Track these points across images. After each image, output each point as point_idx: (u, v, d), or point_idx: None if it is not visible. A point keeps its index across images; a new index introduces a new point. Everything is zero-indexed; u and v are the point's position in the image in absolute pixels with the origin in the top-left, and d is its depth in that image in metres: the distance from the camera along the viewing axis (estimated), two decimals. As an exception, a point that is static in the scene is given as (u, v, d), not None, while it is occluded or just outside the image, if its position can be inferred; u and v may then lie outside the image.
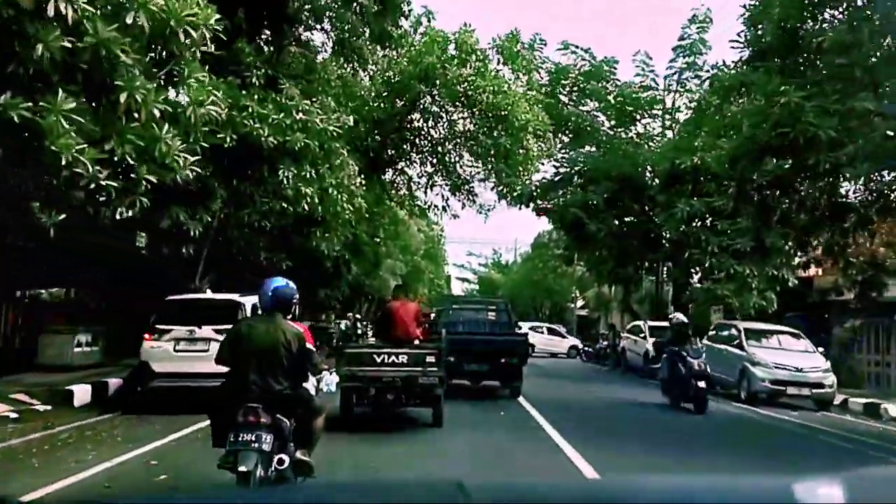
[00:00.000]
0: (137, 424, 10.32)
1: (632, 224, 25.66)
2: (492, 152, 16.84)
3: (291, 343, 5.25)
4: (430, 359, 9.65)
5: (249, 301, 12.64)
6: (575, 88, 25.73)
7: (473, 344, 13.83)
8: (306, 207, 12.75)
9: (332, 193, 13.28)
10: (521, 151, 17.01)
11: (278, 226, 15.73)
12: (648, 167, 23.74)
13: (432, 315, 15.49)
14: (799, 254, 18.90)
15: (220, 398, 5.36)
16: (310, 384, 5.97)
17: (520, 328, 18.67)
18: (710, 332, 19.02)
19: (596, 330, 57.67)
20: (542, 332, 39.23)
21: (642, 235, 26.10)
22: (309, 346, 5.67)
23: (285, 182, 12.50)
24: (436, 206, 20.18)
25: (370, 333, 17.53)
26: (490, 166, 18.83)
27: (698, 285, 20.61)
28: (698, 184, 19.55)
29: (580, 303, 62.41)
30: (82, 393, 12.14)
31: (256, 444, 4.91)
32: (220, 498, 1.81)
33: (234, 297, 12.64)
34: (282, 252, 16.11)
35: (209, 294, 12.90)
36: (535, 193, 28.22)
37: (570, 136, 26.67)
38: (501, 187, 24.39)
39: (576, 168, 26.72)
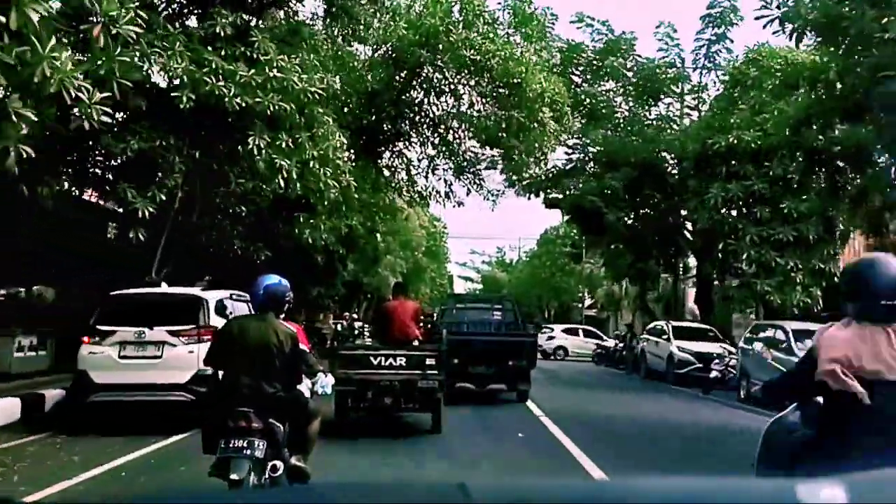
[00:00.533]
0: (67, 449, 8.18)
1: (652, 215, 23.43)
2: (503, 126, 14.59)
3: (284, 343, 4.97)
4: (431, 361, 9.16)
5: (214, 297, 10.47)
6: (590, 67, 23.48)
7: (479, 345, 13.05)
8: (282, 183, 10.54)
9: (314, 167, 11.07)
10: (535, 126, 14.73)
11: (255, 210, 13.56)
12: (670, 152, 21.48)
13: (434, 315, 14.83)
14: (870, 239, 16.58)
15: (210, 402, 5.24)
16: (304, 387, 5.60)
17: (550, 329, 17.01)
18: (747, 335, 16.81)
19: (605, 330, 55.53)
20: (578, 335, 36.91)
21: (664, 227, 23.89)
22: (303, 346, 5.50)
23: (256, 152, 10.29)
24: (438, 192, 17.98)
25: (367, 334, 15.78)
26: (500, 143, 16.52)
27: (734, 282, 18.34)
28: (733, 166, 17.31)
29: (587, 302, 60.23)
30: (8, 408, 9.95)
31: (249, 451, 4.67)
32: (225, 499, 1.81)
33: (195, 291, 10.48)
34: (260, 241, 13.94)
35: (164, 288, 10.72)
36: (545, 183, 26.04)
37: (584, 119, 24.40)
38: (510, 173, 22.19)
39: (591, 153, 24.49)
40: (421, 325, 10.75)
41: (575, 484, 3.00)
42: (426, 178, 18.12)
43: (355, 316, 32.73)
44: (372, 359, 9.20)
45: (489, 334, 14.26)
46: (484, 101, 15.18)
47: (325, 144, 11.27)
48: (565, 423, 10.78)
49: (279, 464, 4.89)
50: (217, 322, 9.13)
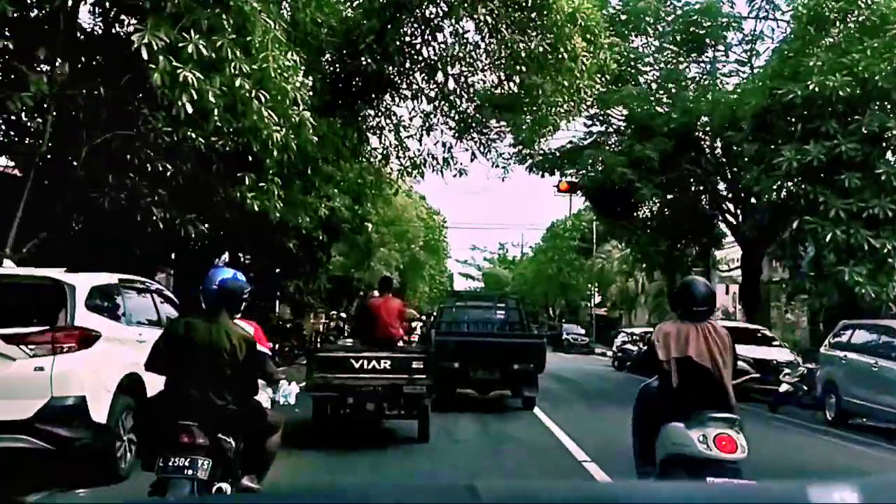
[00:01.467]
0: None
1: (690, 194, 19.69)
2: (522, 56, 10.77)
3: (238, 348, 4.40)
4: (418, 364, 8.39)
5: (86, 284, 6.76)
6: (617, 21, 19.73)
7: (481, 347, 12.07)
8: (187, 105, 6.77)
9: (244, 92, 7.33)
10: (563, 58, 10.91)
11: (185, 167, 9.82)
12: (715, 115, 17.70)
13: (432, 314, 14.40)
14: None
15: (152, 413, 4.73)
16: (263, 396, 4.98)
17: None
18: (832, 339, 13.09)
19: (616, 330, 51.65)
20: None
21: (698, 209, 20.18)
22: (262, 349, 5.11)
23: (147, 55, 6.57)
24: (434, 157, 14.20)
25: (346, 333, 14.40)
26: (517, 94, 12.69)
27: (809, 272, 14.55)
28: (811, 122, 13.54)
29: (597, 299, 56.46)
30: None
31: (191, 471, 4.10)
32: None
33: (56, 273, 6.75)
34: (192, 211, 10.19)
35: (6, 268, 7.02)
36: (559, 160, 22.29)
37: (609, 83, 20.65)
38: (520, 147, 18.43)
39: (616, 124, 20.76)
40: (406, 325, 10.23)
41: (582, 485, 3.28)
42: (420, 140, 14.40)
43: (344, 315, 29.02)
44: (353, 361, 8.31)
45: (493, 335, 13.11)
46: (501, 26, 11.33)
47: (265, 55, 7.51)
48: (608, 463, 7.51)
49: (226, 486, 4.30)
50: (88, 322, 6.55)
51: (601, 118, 22.15)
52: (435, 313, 14.45)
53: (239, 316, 4.74)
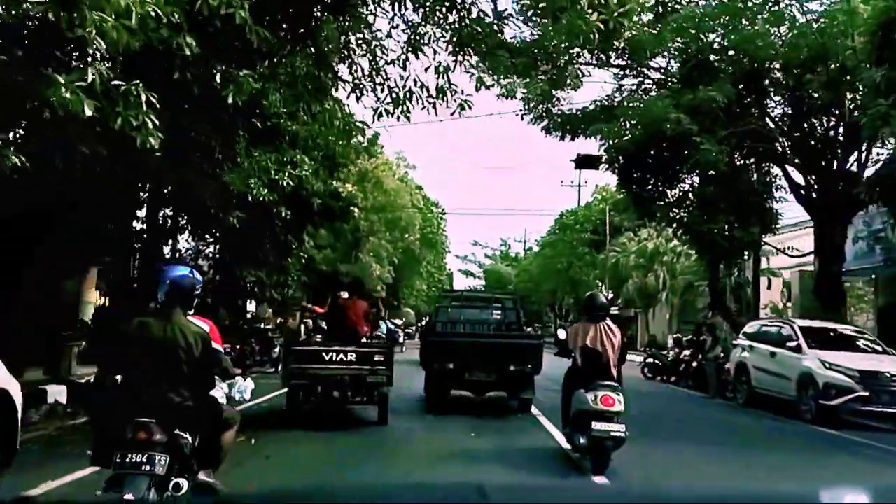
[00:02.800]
0: None
1: (758, 154, 15.32)
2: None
3: (194, 345, 4.47)
4: (379, 357, 9.61)
5: None
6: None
7: (477, 347, 11.77)
8: None
9: None
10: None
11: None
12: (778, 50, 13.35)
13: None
14: None
15: (108, 410, 4.74)
16: (219, 392, 5.06)
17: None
18: None
19: (632, 332, 47.48)
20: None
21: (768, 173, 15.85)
22: (216, 346, 4.84)
23: None
24: (426, 87, 9.73)
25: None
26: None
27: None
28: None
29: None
30: None
31: (148, 467, 4.13)
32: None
33: None
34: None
35: None
36: (583, 119, 18.00)
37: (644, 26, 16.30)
38: (538, 94, 14.09)
39: (659, 67, 16.44)
40: (370, 324, 11.07)
41: (589, 486, 3.44)
42: (404, 65, 10.05)
43: (319, 310, 24.71)
44: (324, 354, 9.51)
45: (489, 336, 12.91)
46: None
47: None
48: None
49: (182, 482, 4.35)
50: None
51: (634, 70, 17.87)
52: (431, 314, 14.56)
53: (192, 313, 4.81)
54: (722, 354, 17.45)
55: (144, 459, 4.09)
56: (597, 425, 6.95)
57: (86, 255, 13.93)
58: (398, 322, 36.25)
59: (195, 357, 4.44)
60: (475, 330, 13.15)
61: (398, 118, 10.62)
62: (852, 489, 1.59)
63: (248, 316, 25.43)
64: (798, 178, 16.27)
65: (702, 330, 23.53)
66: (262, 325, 21.54)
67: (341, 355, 9.42)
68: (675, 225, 18.66)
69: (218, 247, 17.29)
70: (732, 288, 20.32)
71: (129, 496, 3.97)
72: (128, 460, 4.08)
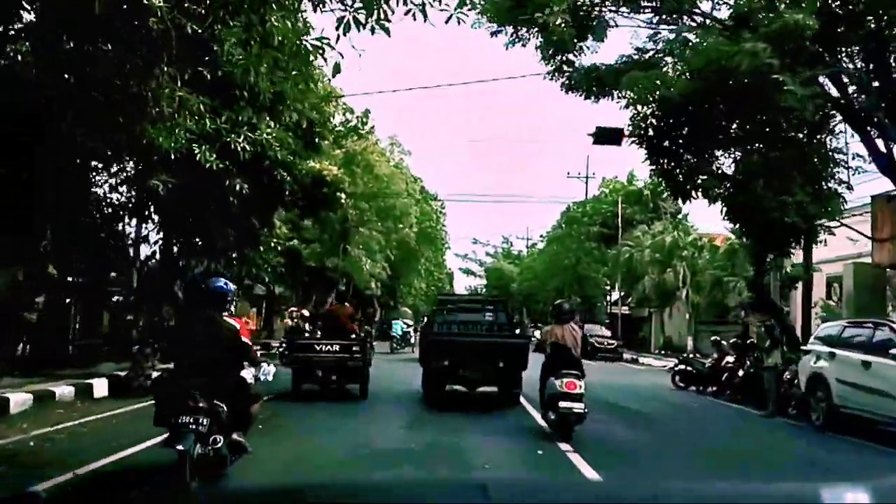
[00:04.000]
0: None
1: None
2: None
3: (228, 338, 6.08)
4: (356, 348, 12.63)
5: None
6: None
7: (469, 346, 12.99)
8: None
9: None
10: None
11: None
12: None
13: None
14: None
15: (164, 386, 6.60)
16: (248, 374, 6.34)
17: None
18: None
19: (645, 333, 44.11)
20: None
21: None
22: (245, 340, 6.30)
23: None
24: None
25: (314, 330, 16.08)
26: None
27: None
28: None
29: (615, 295, 49.03)
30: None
31: (194, 426, 5.56)
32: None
33: None
34: None
35: None
36: (613, 73, 14.76)
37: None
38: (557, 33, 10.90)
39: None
40: (355, 324, 13.81)
41: (590, 484, 3.50)
42: None
43: (306, 313, 21.54)
44: (317, 346, 12.88)
45: (479, 336, 13.91)
46: None
47: None
48: None
49: (219, 438, 5.78)
50: None
51: (672, 15, 14.62)
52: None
53: (227, 314, 6.27)
54: (780, 362, 14.25)
55: (191, 421, 5.57)
56: (563, 404, 9.07)
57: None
58: (410, 322, 33.42)
59: (228, 347, 6.10)
60: (468, 331, 14.05)
61: (372, 30, 7.41)
62: (853, 487, 1.64)
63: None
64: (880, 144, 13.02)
65: (748, 331, 20.35)
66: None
67: (328, 346, 12.63)
68: (722, 203, 15.36)
69: (161, 232, 14.06)
70: (781, 284, 17.02)
71: (180, 447, 5.42)
72: (180, 421, 5.55)
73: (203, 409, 5.61)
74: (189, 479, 5.39)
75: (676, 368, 19.45)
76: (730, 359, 16.98)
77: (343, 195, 25.16)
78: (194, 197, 12.51)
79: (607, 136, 18.39)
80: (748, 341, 17.04)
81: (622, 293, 41.11)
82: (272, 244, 16.20)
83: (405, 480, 4.69)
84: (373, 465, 7.55)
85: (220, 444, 5.75)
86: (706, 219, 58.94)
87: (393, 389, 14.42)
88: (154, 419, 5.94)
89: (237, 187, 12.57)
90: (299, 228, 31.41)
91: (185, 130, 10.31)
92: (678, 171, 16.56)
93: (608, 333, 35.84)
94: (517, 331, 15.41)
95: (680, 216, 43.71)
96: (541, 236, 56.88)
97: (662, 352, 37.73)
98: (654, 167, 17.01)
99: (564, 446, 8.76)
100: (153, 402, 6.22)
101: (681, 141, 16.08)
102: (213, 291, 6.21)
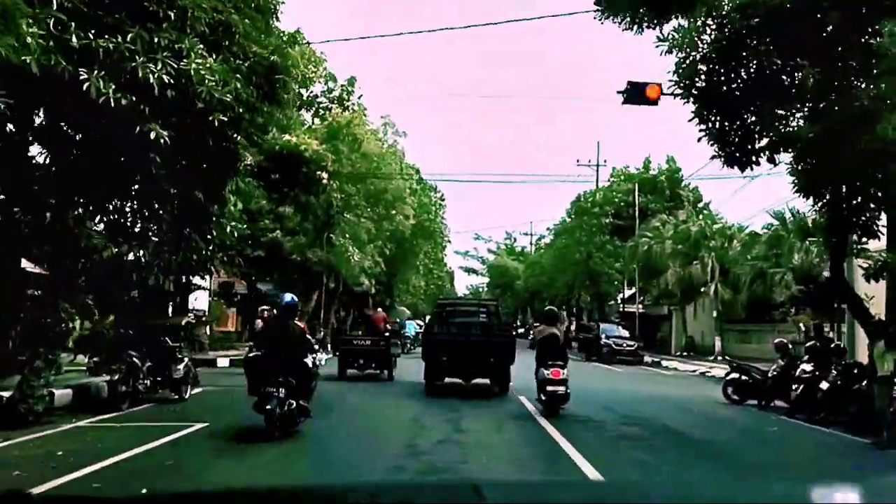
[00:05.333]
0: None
1: None
2: None
3: (297, 335, 9.31)
4: (383, 342, 17.37)
5: None
6: None
7: (464, 344, 14.88)
8: None
9: None
10: None
11: None
12: None
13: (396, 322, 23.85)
14: None
15: (255, 367, 9.25)
16: (309, 359, 9.55)
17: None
18: None
19: (663, 334, 40.21)
20: None
21: None
22: (308, 337, 10.06)
23: None
24: None
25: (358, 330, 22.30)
26: None
27: None
28: None
29: (629, 291, 45.47)
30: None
31: (276, 393, 8.51)
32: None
33: None
34: None
35: None
36: None
37: None
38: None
39: None
40: (387, 325, 19.04)
41: (585, 484, 3.31)
42: None
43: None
44: (356, 340, 17.87)
45: (473, 335, 15.48)
46: None
47: None
48: None
49: (292, 402, 8.70)
50: None
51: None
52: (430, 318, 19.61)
53: (297, 319, 9.73)
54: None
55: (274, 389, 8.47)
56: (549, 387, 11.68)
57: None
58: (420, 323, 33.78)
59: (296, 341, 9.14)
60: (464, 331, 15.70)
61: None
62: (842, 487, 1.62)
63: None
64: None
65: (822, 333, 16.72)
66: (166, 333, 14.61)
67: (364, 341, 17.59)
68: (795, 164, 11.85)
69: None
70: (867, 272, 13.40)
71: (268, 407, 8.32)
72: (267, 389, 8.48)
73: (281, 383, 8.64)
74: (273, 432, 8.37)
75: (729, 378, 15.80)
76: (806, 367, 13.33)
77: (325, 175, 21.62)
78: (92, 146, 8.93)
79: (639, 93, 14.79)
80: (832, 345, 13.44)
81: (640, 286, 37.43)
82: (228, 228, 12.52)
83: (399, 483, 4.76)
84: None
85: (292, 406, 8.71)
86: (729, 210, 55.34)
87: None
88: (247, 389, 9.10)
89: (153, 135, 8.92)
90: (281, 219, 27.84)
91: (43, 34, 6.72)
92: (735, 130, 13.10)
93: (626, 334, 32.23)
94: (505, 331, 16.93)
95: (700, 205, 40.16)
96: (548, 229, 53.24)
97: (684, 354, 34.14)
98: (703, 128, 13.44)
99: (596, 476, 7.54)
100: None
101: (739, 93, 12.67)
102: (287, 305, 9.59)
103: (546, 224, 69.19)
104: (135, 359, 11.47)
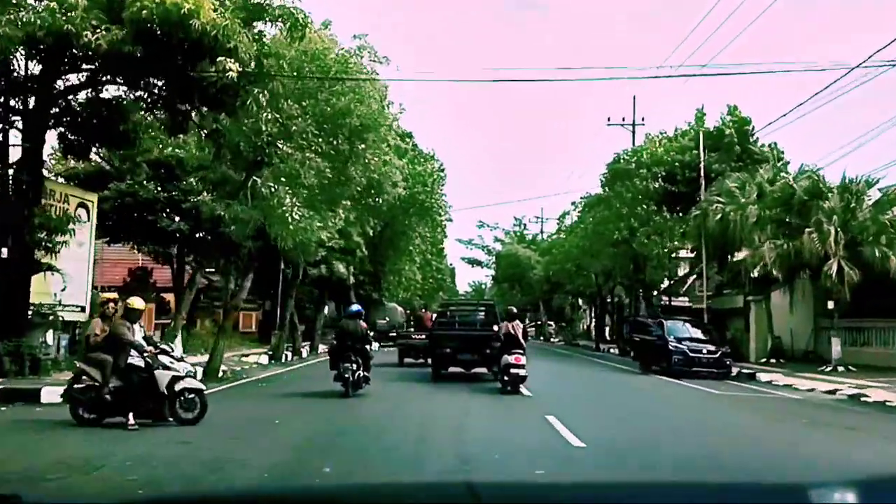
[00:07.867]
0: None
1: None
2: None
3: (362, 331, 14.16)
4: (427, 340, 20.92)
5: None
6: None
7: (464, 338, 18.14)
8: None
9: None
10: None
11: None
12: None
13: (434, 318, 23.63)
14: None
15: (336, 349, 14.14)
16: (368, 347, 14.40)
17: None
18: None
19: (735, 333, 30.63)
20: None
21: None
22: (369, 332, 15.01)
23: None
24: None
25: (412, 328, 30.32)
26: None
27: None
28: None
29: (690, 277, 35.87)
30: None
31: (352, 366, 13.40)
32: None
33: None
34: None
35: None
36: None
37: None
38: None
39: None
40: (430, 323, 23.42)
41: (582, 483, 3.28)
42: None
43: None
44: (411, 337, 23.93)
45: (473, 330, 18.64)
46: None
47: None
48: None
49: (361, 373, 13.67)
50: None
51: None
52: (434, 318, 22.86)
53: (362, 320, 14.76)
54: None
55: (350, 364, 13.48)
56: (511, 370, 14.64)
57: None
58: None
59: (362, 335, 14.09)
60: (464, 327, 19.23)
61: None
62: (841, 486, 1.62)
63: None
64: None
65: None
66: None
67: (417, 338, 22.97)
68: None
69: None
70: None
71: (346, 376, 13.37)
72: (344, 365, 13.48)
73: (354, 360, 13.47)
74: (348, 391, 13.27)
75: None
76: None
77: (233, 65, 12.35)
78: None
79: None
80: None
81: (711, 269, 27.98)
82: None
83: (393, 482, 4.84)
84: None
85: (360, 376, 13.60)
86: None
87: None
88: (330, 365, 14.17)
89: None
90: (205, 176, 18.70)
91: None
92: None
93: (702, 335, 22.80)
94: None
95: (780, 165, 30.71)
96: (573, 203, 43.46)
97: (771, 361, 24.82)
98: None
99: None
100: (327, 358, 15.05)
101: None
102: (353, 312, 14.80)
103: (558, 213, 59.97)
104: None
